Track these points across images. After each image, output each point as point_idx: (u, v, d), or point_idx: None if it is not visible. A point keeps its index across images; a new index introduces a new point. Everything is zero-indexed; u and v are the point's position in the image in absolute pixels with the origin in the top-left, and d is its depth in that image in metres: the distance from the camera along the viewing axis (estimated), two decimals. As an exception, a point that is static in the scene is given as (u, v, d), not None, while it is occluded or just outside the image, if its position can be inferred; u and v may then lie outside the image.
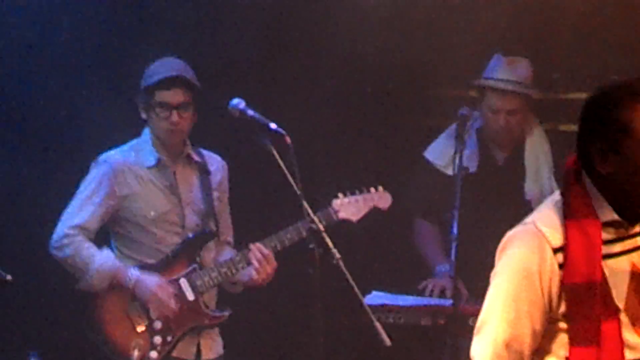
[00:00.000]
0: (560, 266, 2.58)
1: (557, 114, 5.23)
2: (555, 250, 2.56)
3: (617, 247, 2.61)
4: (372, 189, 4.27)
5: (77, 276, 4.12)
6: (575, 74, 5.31)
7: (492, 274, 2.67)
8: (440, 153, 4.79)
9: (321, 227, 3.68)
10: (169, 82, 4.10)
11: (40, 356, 4.82)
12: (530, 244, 2.57)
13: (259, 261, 4.07)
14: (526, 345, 2.60)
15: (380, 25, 5.11)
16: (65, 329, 4.69)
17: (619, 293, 2.63)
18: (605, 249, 2.60)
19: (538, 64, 5.01)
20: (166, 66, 4.18)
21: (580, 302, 2.59)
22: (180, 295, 4.16)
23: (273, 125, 3.91)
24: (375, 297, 4.32)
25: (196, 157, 4.22)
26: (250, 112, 3.95)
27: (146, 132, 4.20)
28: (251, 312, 4.70)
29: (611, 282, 2.62)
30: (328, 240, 3.62)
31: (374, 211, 4.32)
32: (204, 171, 4.26)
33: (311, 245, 3.68)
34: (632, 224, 2.62)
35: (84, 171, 4.34)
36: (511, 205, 4.72)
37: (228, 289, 4.31)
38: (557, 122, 5.25)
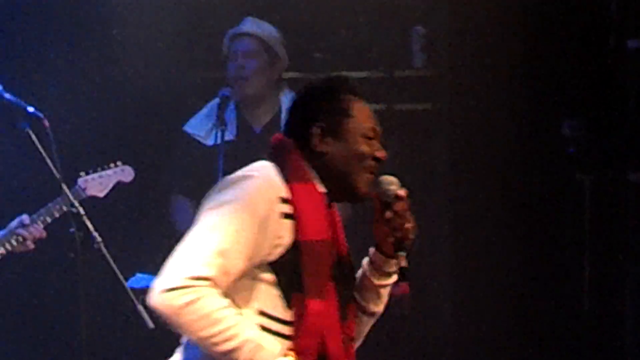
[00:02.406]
0: (286, 216, 2.73)
1: None
2: (283, 200, 2.72)
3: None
4: (112, 164, 4.47)
5: None
6: (336, 53, 5.57)
7: (213, 201, 2.76)
8: (199, 125, 4.98)
9: (82, 210, 3.75)
10: None
11: None
12: (262, 185, 2.71)
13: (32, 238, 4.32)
14: (235, 268, 2.67)
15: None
16: None
17: None
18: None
19: (300, 43, 5.29)
20: None
21: (317, 258, 2.76)
22: None
23: (31, 109, 3.95)
24: (139, 280, 4.42)
25: None
26: (7, 96, 4.00)
27: None
28: (13, 299, 4.77)
29: None
30: (89, 223, 3.72)
31: (121, 186, 4.51)
32: None
33: (72, 230, 3.79)
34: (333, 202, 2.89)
35: None
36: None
37: None
38: None
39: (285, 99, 5.19)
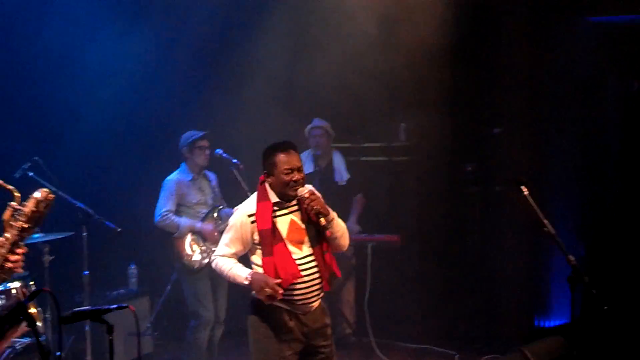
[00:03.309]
0: (253, 222, 4.46)
1: (355, 152, 8.18)
2: (250, 215, 4.48)
3: (280, 212, 4.55)
4: None
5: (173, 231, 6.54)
6: (359, 132, 8.18)
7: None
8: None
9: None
10: (203, 137, 6.66)
11: (136, 265, 7.57)
12: (239, 214, 4.51)
13: None
14: (235, 249, 4.53)
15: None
16: (157, 248, 7.07)
17: (283, 231, 4.53)
18: (275, 213, 4.53)
19: (346, 125, 7.80)
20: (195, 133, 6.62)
21: (265, 237, 4.46)
22: None
23: (235, 160, 6.49)
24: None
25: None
26: (225, 155, 6.55)
27: (184, 164, 6.72)
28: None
29: (279, 227, 4.52)
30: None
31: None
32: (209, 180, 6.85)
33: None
34: (287, 202, 4.54)
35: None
36: (330, 186, 7.53)
37: None
38: (357, 156, 8.17)
39: (334, 153, 7.81)
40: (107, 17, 7.53)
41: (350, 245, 6.89)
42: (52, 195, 3.48)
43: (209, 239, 6.67)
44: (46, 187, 5.71)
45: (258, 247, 4.55)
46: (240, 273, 4.53)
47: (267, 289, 4.37)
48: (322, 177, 7.55)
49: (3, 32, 7.16)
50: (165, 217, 6.60)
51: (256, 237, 4.52)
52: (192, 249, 6.65)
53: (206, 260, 6.60)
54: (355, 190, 7.93)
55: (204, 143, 6.75)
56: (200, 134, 6.73)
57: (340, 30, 7.49)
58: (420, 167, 8.16)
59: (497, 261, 7.77)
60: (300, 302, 4.58)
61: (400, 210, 8.10)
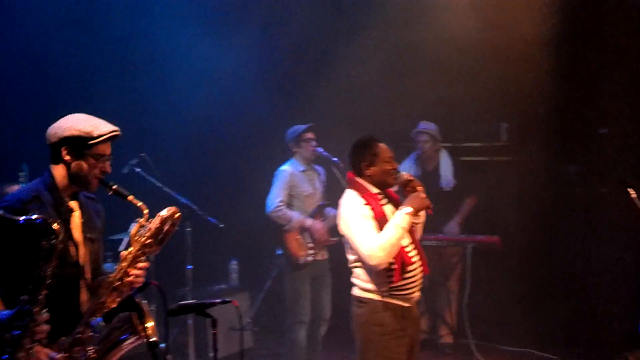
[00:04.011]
0: (370, 210, 4.48)
1: (457, 152, 8.08)
2: (364, 205, 4.52)
3: (383, 202, 4.67)
4: None
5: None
6: (462, 134, 8.30)
7: (344, 221, 4.48)
8: (406, 167, 7.54)
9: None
10: (309, 129, 6.77)
11: (238, 261, 7.81)
12: (356, 206, 4.51)
13: None
14: (374, 231, 4.42)
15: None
16: (257, 245, 7.56)
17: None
18: (381, 202, 4.65)
19: (447, 125, 7.86)
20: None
21: (383, 226, 4.48)
22: None
23: (335, 159, 6.65)
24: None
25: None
26: (325, 153, 6.72)
27: (293, 160, 6.82)
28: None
29: (388, 216, 4.58)
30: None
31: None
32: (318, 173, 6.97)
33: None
34: (384, 192, 4.64)
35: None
36: (436, 191, 7.42)
37: None
38: (458, 155, 8.03)
39: (442, 156, 7.78)
40: (211, 20, 7.77)
41: (451, 246, 7.19)
42: (178, 214, 3.57)
43: (317, 237, 6.74)
44: (152, 182, 6.15)
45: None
46: (398, 214, 4.50)
47: (423, 198, 4.45)
48: (427, 182, 7.19)
49: (110, 34, 7.45)
50: (279, 209, 6.68)
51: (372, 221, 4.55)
52: (298, 244, 6.74)
53: (310, 258, 6.71)
54: (464, 194, 7.92)
55: (310, 135, 6.83)
56: (306, 126, 6.81)
57: (443, 29, 7.56)
58: (522, 168, 8.13)
59: (602, 265, 7.71)
60: (411, 292, 4.60)
61: (501, 211, 8.05)
